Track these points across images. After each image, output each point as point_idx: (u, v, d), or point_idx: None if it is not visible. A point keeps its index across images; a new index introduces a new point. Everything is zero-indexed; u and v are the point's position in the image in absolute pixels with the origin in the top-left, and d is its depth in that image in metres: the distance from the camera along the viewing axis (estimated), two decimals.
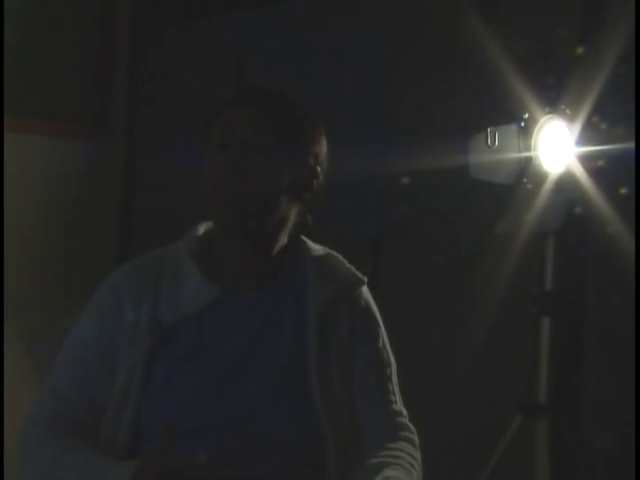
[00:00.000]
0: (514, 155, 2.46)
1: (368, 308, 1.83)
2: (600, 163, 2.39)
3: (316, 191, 1.79)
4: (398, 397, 1.82)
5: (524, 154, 2.45)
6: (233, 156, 1.70)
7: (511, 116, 2.46)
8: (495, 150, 2.43)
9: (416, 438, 1.80)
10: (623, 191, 2.49)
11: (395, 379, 1.82)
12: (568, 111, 2.40)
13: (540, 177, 2.43)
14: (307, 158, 1.77)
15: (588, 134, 2.39)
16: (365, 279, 1.84)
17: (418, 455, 1.77)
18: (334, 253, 1.85)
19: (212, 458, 1.61)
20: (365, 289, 1.85)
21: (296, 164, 1.75)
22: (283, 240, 1.79)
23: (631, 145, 2.34)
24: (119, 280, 1.77)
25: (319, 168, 1.78)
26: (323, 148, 1.80)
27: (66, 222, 3.56)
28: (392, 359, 1.83)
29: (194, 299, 1.73)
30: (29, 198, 3.43)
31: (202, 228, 1.83)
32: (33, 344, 3.28)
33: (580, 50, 2.59)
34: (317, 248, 1.84)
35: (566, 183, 2.42)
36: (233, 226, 1.74)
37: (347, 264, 1.84)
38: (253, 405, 1.69)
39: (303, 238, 1.84)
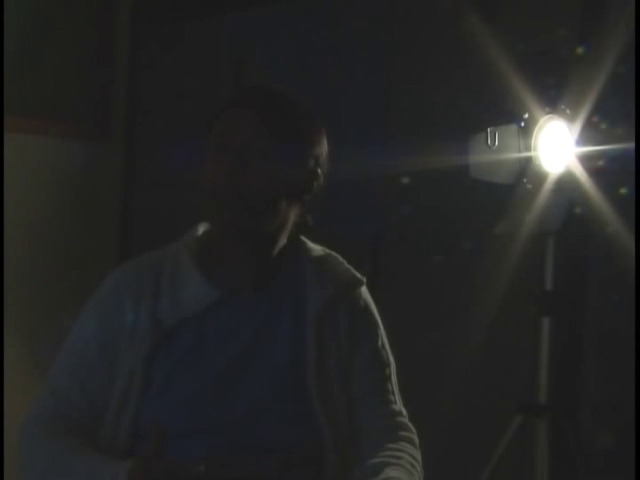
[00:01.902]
0: (514, 155, 2.46)
1: (367, 308, 1.83)
2: (600, 163, 2.39)
3: (316, 193, 1.78)
4: (398, 397, 1.82)
5: (524, 154, 2.45)
6: (233, 159, 1.69)
7: (511, 116, 2.46)
8: (495, 150, 2.43)
9: (416, 438, 1.80)
10: (623, 191, 2.49)
11: (394, 379, 1.82)
12: (568, 111, 2.40)
13: (540, 177, 2.43)
14: (308, 160, 1.76)
15: (588, 134, 2.39)
16: (364, 279, 1.84)
17: (418, 455, 1.77)
18: (333, 254, 1.85)
19: (209, 459, 1.61)
20: (364, 289, 1.84)
21: (296, 166, 1.74)
22: (282, 241, 1.79)
23: (631, 145, 2.34)
24: (119, 280, 1.77)
25: (320, 170, 1.78)
26: (324, 149, 1.79)
27: (66, 222, 3.56)
28: (391, 359, 1.83)
29: (194, 300, 1.72)
30: (29, 198, 3.43)
31: (202, 228, 1.83)
32: (33, 344, 3.28)
33: (580, 50, 2.59)
34: (316, 248, 1.84)
35: (566, 183, 2.42)
36: (232, 229, 1.73)
37: (346, 264, 1.84)
38: (252, 406, 1.69)
39: (302, 238, 1.84)
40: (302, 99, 1.81)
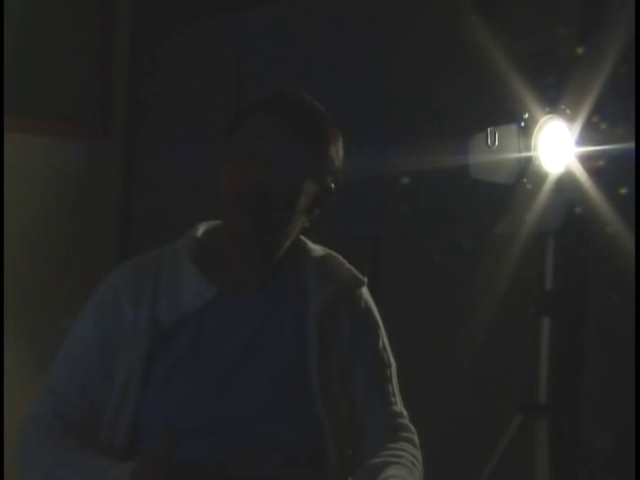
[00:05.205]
0: (514, 155, 2.46)
1: (368, 309, 1.83)
2: (600, 163, 2.39)
3: (326, 208, 1.79)
4: (398, 398, 1.82)
5: (524, 154, 2.45)
6: (261, 165, 1.69)
7: (511, 116, 2.46)
8: (495, 150, 2.43)
9: (416, 439, 1.80)
10: (623, 191, 2.49)
11: (395, 380, 1.82)
12: (568, 111, 2.40)
13: (540, 177, 2.43)
14: (326, 177, 1.76)
15: (588, 134, 2.39)
16: (365, 280, 1.84)
17: (419, 455, 1.77)
18: (334, 254, 1.85)
19: (211, 459, 1.61)
20: (365, 290, 1.84)
21: (316, 181, 1.74)
22: (286, 246, 1.79)
23: (631, 145, 2.34)
24: (118, 280, 1.77)
25: (334, 186, 1.78)
26: (341, 166, 1.80)
27: (66, 222, 3.56)
28: (392, 360, 1.83)
29: (192, 298, 1.72)
30: (29, 198, 3.43)
31: (201, 228, 1.83)
32: (33, 344, 3.28)
33: (580, 50, 2.59)
34: (317, 249, 1.84)
35: (566, 183, 2.42)
36: (246, 233, 1.72)
37: (347, 264, 1.84)
38: (253, 405, 1.68)
39: (303, 238, 1.84)
40: (328, 112, 1.79)
